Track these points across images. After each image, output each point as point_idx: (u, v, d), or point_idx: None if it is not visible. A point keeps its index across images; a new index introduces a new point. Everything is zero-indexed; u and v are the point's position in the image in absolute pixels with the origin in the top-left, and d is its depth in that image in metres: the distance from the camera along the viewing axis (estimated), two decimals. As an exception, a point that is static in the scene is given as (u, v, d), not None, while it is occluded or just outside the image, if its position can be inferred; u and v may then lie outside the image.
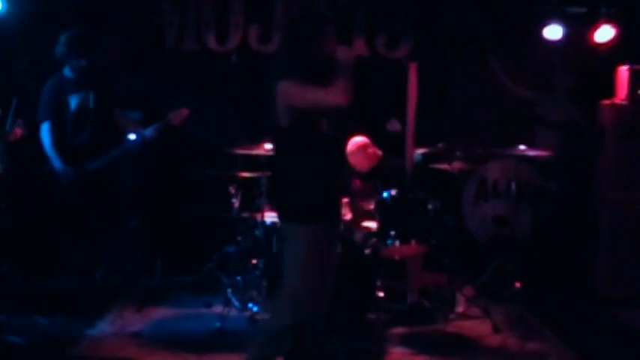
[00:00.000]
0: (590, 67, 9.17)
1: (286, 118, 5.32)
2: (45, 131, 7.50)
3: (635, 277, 8.54)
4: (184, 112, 7.59)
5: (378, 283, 7.22)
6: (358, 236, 7.55)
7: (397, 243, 7.27)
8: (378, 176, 7.99)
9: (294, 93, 5.28)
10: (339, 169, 5.89)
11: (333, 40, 5.49)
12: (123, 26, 8.79)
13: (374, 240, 7.40)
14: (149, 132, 7.57)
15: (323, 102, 5.24)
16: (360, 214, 7.79)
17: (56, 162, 7.46)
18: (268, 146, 7.40)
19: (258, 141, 7.50)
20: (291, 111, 5.28)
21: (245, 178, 7.73)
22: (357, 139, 7.96)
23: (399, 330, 7.38)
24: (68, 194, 7.49)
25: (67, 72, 7.58)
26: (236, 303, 7.60)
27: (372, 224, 7.57)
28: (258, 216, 7.60)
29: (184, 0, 8.96)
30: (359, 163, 7.90)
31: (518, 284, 8.13)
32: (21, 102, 7.40)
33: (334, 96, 5.21)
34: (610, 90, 8.86)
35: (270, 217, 7.54)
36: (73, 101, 7.54)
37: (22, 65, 8.65)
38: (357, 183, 8.07)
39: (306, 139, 5.35)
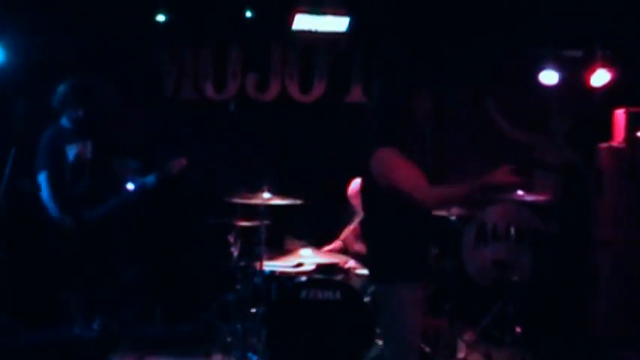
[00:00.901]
0: (587, 110, 9.20)
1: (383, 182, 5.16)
2: (43, 181, 7.50)
3: (634, 317, 8.52)
4: (183, 161, 7.63)
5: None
6: (357, 283, 7.53)
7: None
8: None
9: (393, 169, 5.14)
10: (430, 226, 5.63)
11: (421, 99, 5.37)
12: (121, 75, 8.83)
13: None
14: (148, 180, 7.61)
15: (412, 195, 5.07)
16: (358, 258, 7.82)
17: (54, 211, 7.46)
18: (266, 195, 7.43)
19: (257, 189, 7.53)
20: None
21: (244, 227, 7.74)
22: (359, 181, 7.99)
23: (399, 377, 7.34)
24: (67, 243, 7.49)
25: (64, 122, 7.62)
26: (236, 351, 7.58)
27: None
28: (257, 264, 7.58)
29: (182, 49, 9.04)
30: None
31: (518, 328, 8.09)
32: (20, 151, 7.45)
33: (424, 195, 5.10)
34: (607, 133, 8.90)
35: (269, 265, 7.55)
36: (71, 151, 7.57)
37: (20, 114, 8.67)
38: (356, 229, 8.09)
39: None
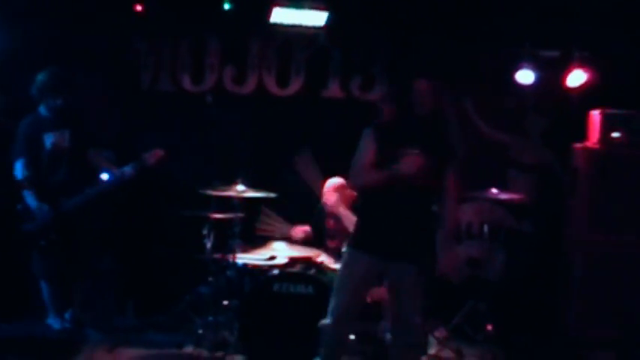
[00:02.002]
0: (563, 111, 9.23)
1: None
2: (18, 169, 7.50)
3: (606, 318, 8.56)
4: (159, 152, 7.62)
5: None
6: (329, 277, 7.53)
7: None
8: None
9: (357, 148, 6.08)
10: None
11: None
12: (98, 66, 8.78)
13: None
14: (126, 171, 7.58)
15: (349, 174, 6.24)
16: (332, 254, 7.83)
17: (31, 199, 7.45)
18: (241, 188, 7.43)
19: (232, 182, 7.52)
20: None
21: (218, 220, 7.73)
22: (334, 180, 7.98)
23: (372, 372, 7.34)
24: (42, 232, 7.46)
25: (42, 110, 7.62)
26: (208, 344, 7.56)
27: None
28: (230, 257, 7.58)
29: (160, 40, 9.00)
30: (335, 203, 7.93)
31: (490, 326, 8.12)
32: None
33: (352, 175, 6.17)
34: (582, 133, 8.94)
35: (243, 258, 7.55)
36: (49, 140, 7.56)
37: (-1, 105, 8.63)
38: (330, 224, 8.08)
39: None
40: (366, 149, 5.95)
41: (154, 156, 7.60)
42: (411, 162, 5.72)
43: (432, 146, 5.89)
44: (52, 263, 7.61)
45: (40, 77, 7.53)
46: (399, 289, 6.06)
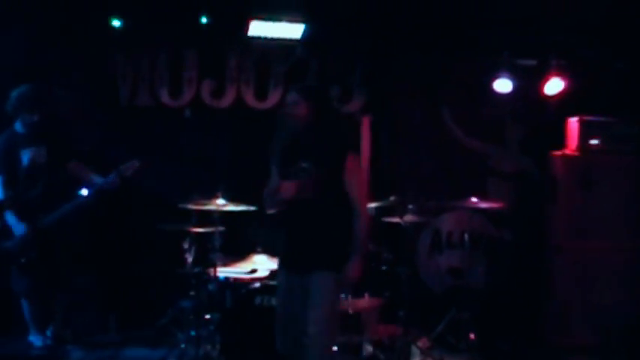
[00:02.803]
0: (541, 119, 9.28)
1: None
2: None
3: (587, 324, 8.60)
4: (135, 163, 7.58)
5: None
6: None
7: (350, 297, 7.25)
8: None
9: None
10: None
11: None
12: (76, 81, 8.76)
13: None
14: (105, 181, 7.53)
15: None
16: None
17: (11, 219, 7.42)
18: (221, 202, 7.43)
19: (211, 196, 7.52)
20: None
21: (198, 233, 7.73)
22: None
23: (354, 383, 7.34)
24: (22, 250, 7.43)
25: (18, 127, 7.56)
26: (190, 358, 7.56)
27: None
28: (212, 271, 7.57)
29: (138, 54, 8.99)
30: None
31: (472, 335, 8.13)
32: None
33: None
34: (560, 141, 8.98)
35: (224, 271, 7.54)
36: (25, 156, 7.51)
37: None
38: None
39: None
40: (272, 173, 6.15)
41: (131, 167, 7.56)
42: (286, 188, 5.88)
43: (321, 158, 5.86)
44: (32, 280, 7.55)
45: (15, 94, 7.46)
46: (309, 299, 5.89)
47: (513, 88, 8.85)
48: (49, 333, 7.83)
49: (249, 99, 9.14)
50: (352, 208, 5.85)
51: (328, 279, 5.82)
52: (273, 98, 9.15)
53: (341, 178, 5.82)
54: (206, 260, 7.73)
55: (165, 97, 9.02)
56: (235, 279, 7.58)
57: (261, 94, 9.15)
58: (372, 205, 8.30)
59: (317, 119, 5.87)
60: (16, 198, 7.45)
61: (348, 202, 5.85)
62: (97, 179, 7.58)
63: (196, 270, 7.81)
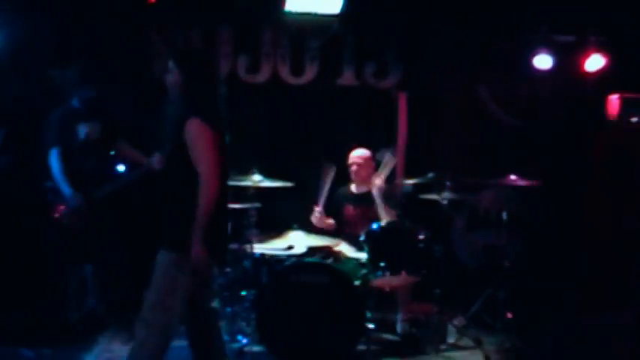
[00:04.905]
0: (580, 96, 9.17)
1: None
2: (53, 157, 7.55)
3: (623, 304, 8.51)
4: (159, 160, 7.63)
5: (368, 315, 7.17)
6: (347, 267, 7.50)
7: (387, 274, 7.21)
8: (371, 203, 7.99)
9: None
10: None
11: None
12: (111, 57, 8.74)
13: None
14: (150, 161, 7.59)
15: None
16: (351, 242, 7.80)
17: (65, 187, 7.51)
18: (256, 177, 7.41)
19: (247, 172, 7.49)
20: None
21: (234, 210, 7.70)
22: (361, 151, 8.06)
23: (389, 361, 7.34)
24: (74, 220, 7.53)
25: (75, 102, 7.73)
26: (225, 335, 7.54)
27: (361, 255, 7.51)
28: (247, 247, 7.55)
29: (172, 30, 8.95)
30: (362, 177, 8.09)
31: (509, 314, 8.07)
32: (9, 132, 7.43)
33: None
34: (600, 118, 8.87)
35: (260, 248, 7.51)
36: (82, 130, 7.67)
37: (9, 96, 8.60)
38: (349, 210, 8.06)
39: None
40: None
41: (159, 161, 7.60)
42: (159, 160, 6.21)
43: (170, 129, 5.48)
44: (79, 252, 7.64)
45: (72, 70, 7.68)
46: None
47: (552, 64, 8.75)
48: (85, 306, 7.88)
49: (285, 74, 9.11)
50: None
51: (166, 259, 5.41)
52: (309, 74, 9.11)
53: (184, 160, 5.29)
54: (242, 237, 7.70)
55: (200, 73, 8.98)
56: (271, 256, 7.56)
57: (297, 70, 9.10)
58: (410, 182, 8.28)
59: (190, 87, 5.50)
60: (68, 168, 7.55)
61: (196, 176, 5.25)
62: (144, 159, 7.65)
63: (232, 246, 7.78)
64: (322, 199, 8.03)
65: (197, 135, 5.28)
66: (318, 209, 8.06)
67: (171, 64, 5.56)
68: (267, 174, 7.59)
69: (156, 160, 7.60)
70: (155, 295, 5.43)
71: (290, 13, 8.64)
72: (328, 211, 8.18)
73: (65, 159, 7.56)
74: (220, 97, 5.84)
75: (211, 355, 5.71)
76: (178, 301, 5.38)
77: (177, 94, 5.52)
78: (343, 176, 8.27)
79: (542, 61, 8.76)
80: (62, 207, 7.50)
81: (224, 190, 5.57)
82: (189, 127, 5.26)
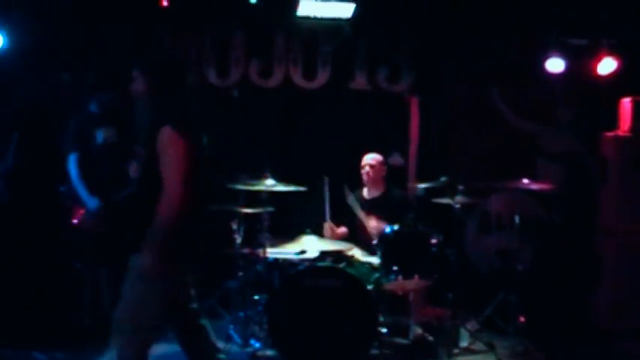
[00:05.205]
0: (593, 99, 9.16)
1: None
2: (72, 163, 7.61)
3: (637, 308, 8.50)
4: None
5: (381, 319, 7.17)
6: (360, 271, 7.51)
7: (400, 278, 7.21)
8: (382, 207, 8.00)
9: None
10: None
11: None
12: (123, 61, 8.76)
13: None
14: None
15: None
16: (364, 247, 7.81)
17: (83, 192, 7.56)
18: (269, 182, 7.41)
19: (260, 176, 7.50)
20: None
21: (247, 214, 7.72)
22: (374, 155, 8.08)
23: (402, 365, 7.33)
24: (93, 225, 7.56)
25: (93, 107, 7.76)
26: (238, 339, 7.56)
27: (374, 259, 7.52)
28: (260, 251, 7.56)
29: (185, 35, 8.97)
30: (374, 180, 8.12)
31: (522, 318, 8.05)
32: (22, 136, 7.49)
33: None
34: (613, 122, 8.86)
35: (272, 252, 7.52)
36: (100, 135, 7.70)
37: (21, 99, 8.63)
38: (361, 215, 8.07)
39: None
40: None
41: None
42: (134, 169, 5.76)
43: (147, 137, 5.31)
44: (95, 255, 7.69)
45: (92, 74, 7.80)
46: None
47: (565, 67, 8.75)
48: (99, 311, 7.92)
49: (297, 79, 9.12)
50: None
51: (134, 266, 5.24)
52: (322, 78, 9.13)
53: (155, 166, 5.14)
54: (254, 241, 7.72)
55: (212, 77, 9.02)
56: (284, 260, 7.56)
57: (310, 74, 9.12)
58: (422, 186, 8.27)
59: (157, 95, 5.36)
60: (86, 173, 7.62)
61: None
62: None
63: (245, 251, 7.80)
64: (327, 213, 8.06)
65: (167, 144, 5.12)
66: (327, 224, 8.09)
67: (135, 72, 5.38)
68: (280, 178, 7.59)
69: (132, 170, 7.62)
70: (125, 299, 5.37)
71: (302, 18, 8.66)
72: (340, 219, 8.20)
73: (83, 163, 7.62)
74: (193, 101, 5.63)
75: (203, 354, 5.74)
76: (152, 308, 5.28)
77: (147, 103, 5.39)
78: (355, 181, 8.29)
79: (555, 65, 8.74)
80: (81, 212, 7.54)
81: (199, 198, 5.57)
82: (161, 136, 5.10)
